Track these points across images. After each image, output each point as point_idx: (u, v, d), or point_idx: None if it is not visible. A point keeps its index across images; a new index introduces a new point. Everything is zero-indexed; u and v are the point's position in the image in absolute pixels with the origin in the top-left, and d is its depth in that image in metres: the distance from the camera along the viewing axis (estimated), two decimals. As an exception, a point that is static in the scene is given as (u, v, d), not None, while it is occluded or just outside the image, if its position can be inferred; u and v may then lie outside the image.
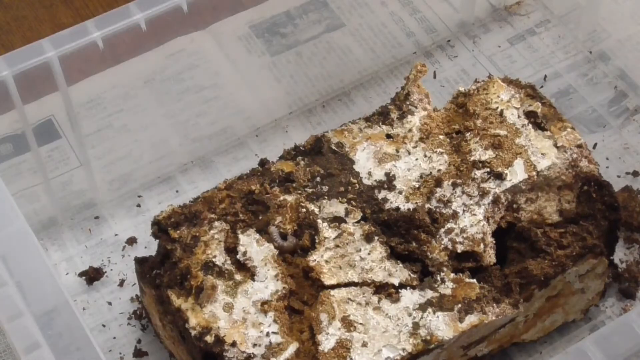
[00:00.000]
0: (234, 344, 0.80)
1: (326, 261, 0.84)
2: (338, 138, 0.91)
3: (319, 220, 0.86)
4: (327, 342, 0.80)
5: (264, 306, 0.82)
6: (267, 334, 0.80)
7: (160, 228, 0.87)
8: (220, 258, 0.84)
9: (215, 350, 0.80)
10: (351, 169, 0.89)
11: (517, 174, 0.88)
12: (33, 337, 0.71)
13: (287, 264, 0.84)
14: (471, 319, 0.82)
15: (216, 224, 0.86)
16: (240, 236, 0.85)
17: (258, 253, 0.84)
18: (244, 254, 0.84)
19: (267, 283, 0.83)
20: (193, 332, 0.81)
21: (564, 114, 0.96)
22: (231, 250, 0.84)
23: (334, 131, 0.92)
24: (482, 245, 0.85)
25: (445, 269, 0.84)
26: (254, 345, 0.80)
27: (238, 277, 0.83)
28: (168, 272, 0.84)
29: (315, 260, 0.84)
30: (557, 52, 1.12)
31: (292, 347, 0.80)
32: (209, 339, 0.80)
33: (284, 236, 0.85)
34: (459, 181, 0.88)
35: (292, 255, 0.84)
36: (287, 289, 0.83)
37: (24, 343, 0.71)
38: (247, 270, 0.83)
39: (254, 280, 0.83)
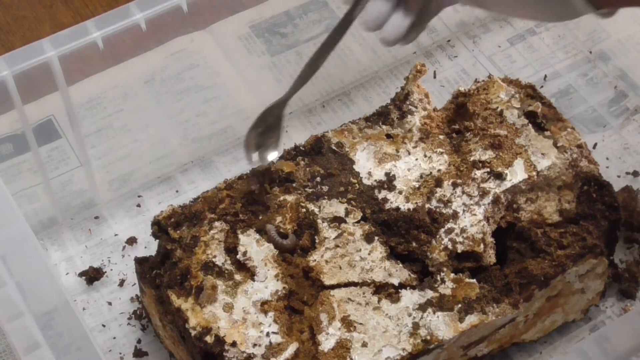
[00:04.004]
0: (234, 344, 0.80)
1: (326, 261, 0.84)
2: (338, 138, 0.91)
3: (319, 220, 0.86)
4: (327, 342, 0.80)
5: (264, 306, 0.82)
6: (267, 334, 0.80)
7: (160, 228, 0.87)
8: (220, 258, 0.84)
9: (215, 351, 0.80)
10: (351, 169, 0.89)
11: (517, 174, 0.88)
12: (33, 337, 0.71)
13: (287, 264, 0.84)
14: (471, 319, 0.82)
15: (216, 224, 0.86)
16: (240, 236, 0.85)
17: (258, 253, 0.84)
18: (244, 254, 0.84)
19: (267, 283, 0.83)
20: (193, 332, 0.81)
21: (564, 114, 0.96)
22: (231, 250, 0.84)
23: (334, 131, 0.92)
24: (482, 245, 0.85)
25: (445, 269, 0.84)
26: (254, 345, 0.80)
27: (238, 277, 0.83)
28: (168, 272, 0.84)
29: (315, 260, 0.84)
30: (557, 52, 1.12)
31: (292, 347, 0.80)
32: (209, 339, 0.80)
33: (283, 236, 0.85)
34: (459, 181, 0.88)
35: (292, 255, 0.84)
36: (287, 289, 0.83)
37: (24, 343, 0.71)
38: (247, 270, 0.83)
39: (254, 280, 0.83)
